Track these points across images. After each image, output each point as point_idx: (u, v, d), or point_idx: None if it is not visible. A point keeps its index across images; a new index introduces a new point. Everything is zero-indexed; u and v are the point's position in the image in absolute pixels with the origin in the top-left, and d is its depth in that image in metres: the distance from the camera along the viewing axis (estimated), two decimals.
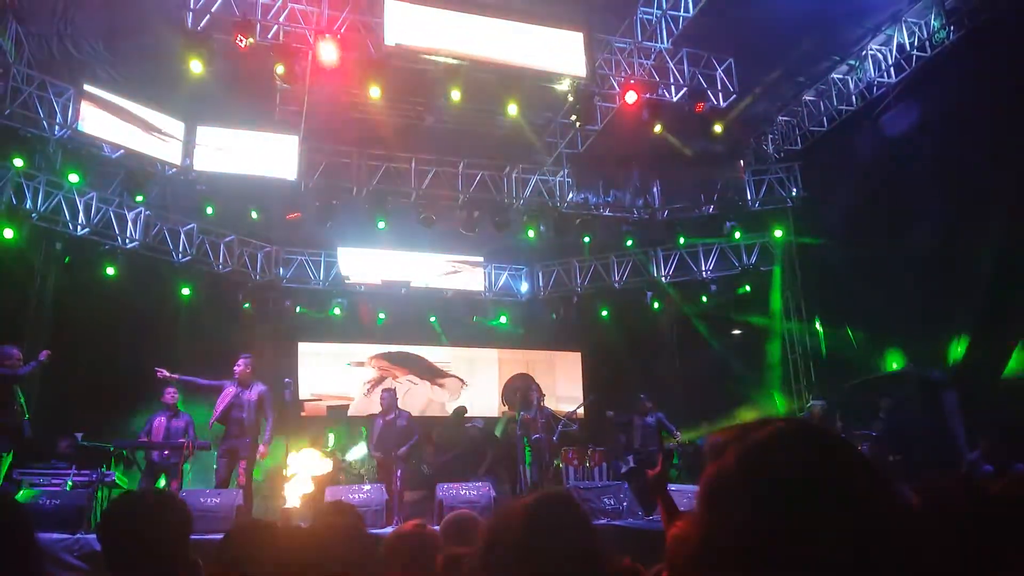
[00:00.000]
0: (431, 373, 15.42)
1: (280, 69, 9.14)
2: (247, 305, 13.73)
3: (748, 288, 14.26)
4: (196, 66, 8.84)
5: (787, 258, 13.87)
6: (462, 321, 15.37)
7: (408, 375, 15.07)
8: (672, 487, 9.08)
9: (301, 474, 9.43)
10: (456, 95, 9.90)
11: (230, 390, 8.88)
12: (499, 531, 1.53)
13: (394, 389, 10.32)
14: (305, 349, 14.72)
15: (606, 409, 11.93)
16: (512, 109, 10.21)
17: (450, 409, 14.18)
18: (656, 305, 15.30)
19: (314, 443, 10.46)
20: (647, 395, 11.27)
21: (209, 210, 12.20)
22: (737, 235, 13.77)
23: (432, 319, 15.09)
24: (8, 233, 10.45)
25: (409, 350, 15.37)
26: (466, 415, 13.18)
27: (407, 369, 15.21)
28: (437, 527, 3.44)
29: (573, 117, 10.89)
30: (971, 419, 9.40)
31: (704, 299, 14.53)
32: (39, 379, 9.08)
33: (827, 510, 0.82)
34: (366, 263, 14.24)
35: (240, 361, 9.01)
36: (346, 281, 14.12)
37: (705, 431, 12.15)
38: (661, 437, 11.03)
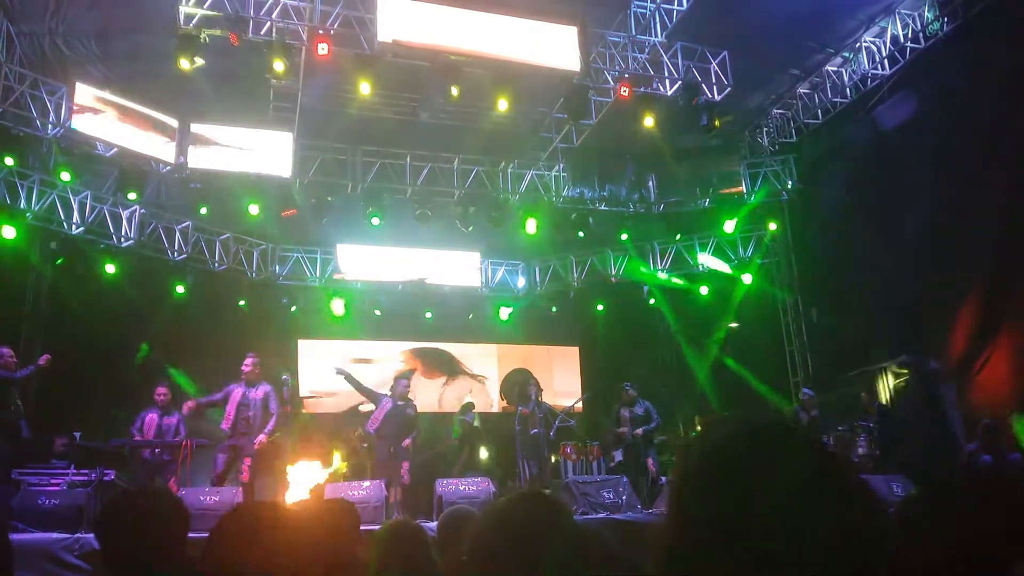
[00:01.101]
0: (461, 372, 15.56)
1: (279, 66, 9.12)
2: (243, 303, 13.73)
3: (751, 279, 14.26)
4: (184, 63, 8.80)
5: (783, 250, 13.90)
6: (459, 317, 15.39)
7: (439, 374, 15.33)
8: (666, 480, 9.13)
9: (299, 487, 9.44)
10: (455, 91, 9.89)
11: (237, 391, 8.83)
12: (479, 535, 1.53)
13: (410, 378, 10.23)
14: (304, 347, 14.75)
15: (602, 405, 11.88)
16: (502, 104, 10.18)
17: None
18: (652, 300, 15.32)
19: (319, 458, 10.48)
20: (631, 384, 11.08)
21: (203, 210, 12.18)
22: (724, 229, 13.83)
23: (427, 314, 15.09)
24: (10, 232, 10.42)
25: (441, 347, 15.69)
26: (472, 410, 13.16)
27: (437, 367, 15.34)
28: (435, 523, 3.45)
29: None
30: (967, 411, 9.42)
31: (703, 291, 14.53)
32: (36, 378, 9.07)
33: (784, 505, 0.83)
34: (363, 259, 14.24)
35: (247, 360, 8.97)
36: (346, 279, 14.12)
37: (701, 424, 12.17)
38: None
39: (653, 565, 0.93)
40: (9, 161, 10.31)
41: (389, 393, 9.72)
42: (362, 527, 3.48)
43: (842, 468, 0.89)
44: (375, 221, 12.68)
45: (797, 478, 0.85)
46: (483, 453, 12.21)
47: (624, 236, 14.20)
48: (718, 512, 0.85)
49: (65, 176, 10.80)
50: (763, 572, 0.81)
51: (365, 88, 9.57)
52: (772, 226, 13.69)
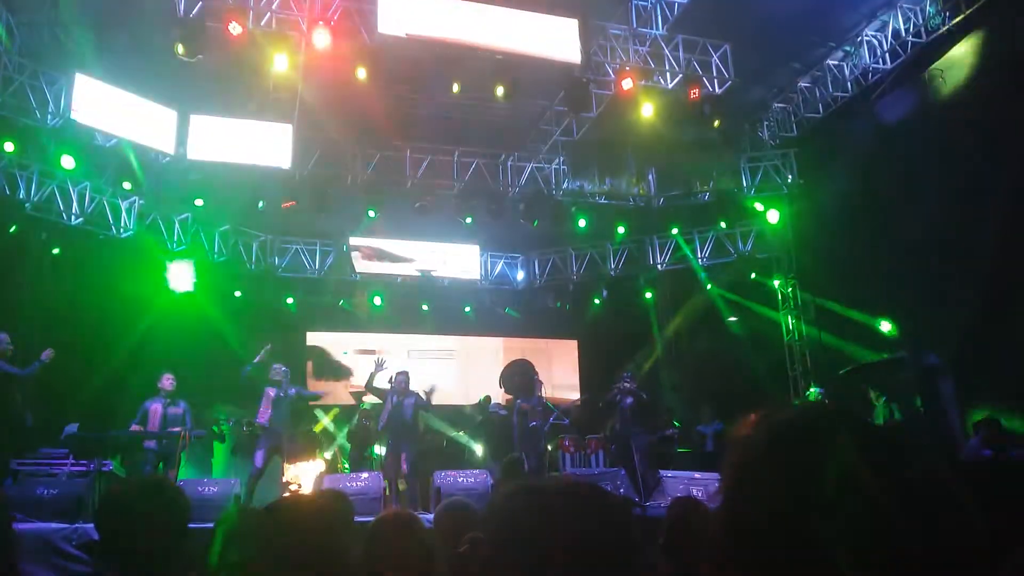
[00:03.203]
0: None
1: (282, 60, 9.13)
2: (238, 293, 13.73)
3: (754, 275, 14.26)
4: (182, 49, 8.77)
5: (783, 245, 13.88)
6: (457, 309, 15.40)
7: None
8: (668, 474, 9.15)
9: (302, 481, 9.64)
10: (456, 88, 9.90)
11: (270, 392, 9.28)
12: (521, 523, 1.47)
13: (407, 372, 10.24)
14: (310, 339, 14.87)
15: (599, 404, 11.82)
16: (500, 91, 10.16)
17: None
18: (648, 295, 15.34)
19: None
20: (630, 374, 10.94)
21: (199, 202, 12.16)
22: (723, 224, 13.85)
23: (424, 307, 15.09)
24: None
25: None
26: (491, 404, 13.16)
27: None
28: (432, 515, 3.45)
29: None
30: (968, 406, 9.43)
31: (708, 286, 14.52)
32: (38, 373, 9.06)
33: (851, 484, 0.83)
34: (364, 251, 14.30)
35: (281, 368, 9.50)
36: (356, 276, 14.18)
37: (704, 416, 12.15)
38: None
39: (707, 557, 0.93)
40: (9, 147, 10.23)
41: (389, 388, 9.77)
42: (359, 519, 3.48)
43: (908, 456, 0.88)
44: (371, 214, 12.73)
45: (862, 467, 0.84)
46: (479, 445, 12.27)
47: (620, 229, 14.23)
48: (778, 503, 0.85)
49: (68, 162, 10.68)
50: (825, 563, 0.80)
51: (362, 74, 9.57)
52: (773, 219, 13.64)
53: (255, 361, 9.48)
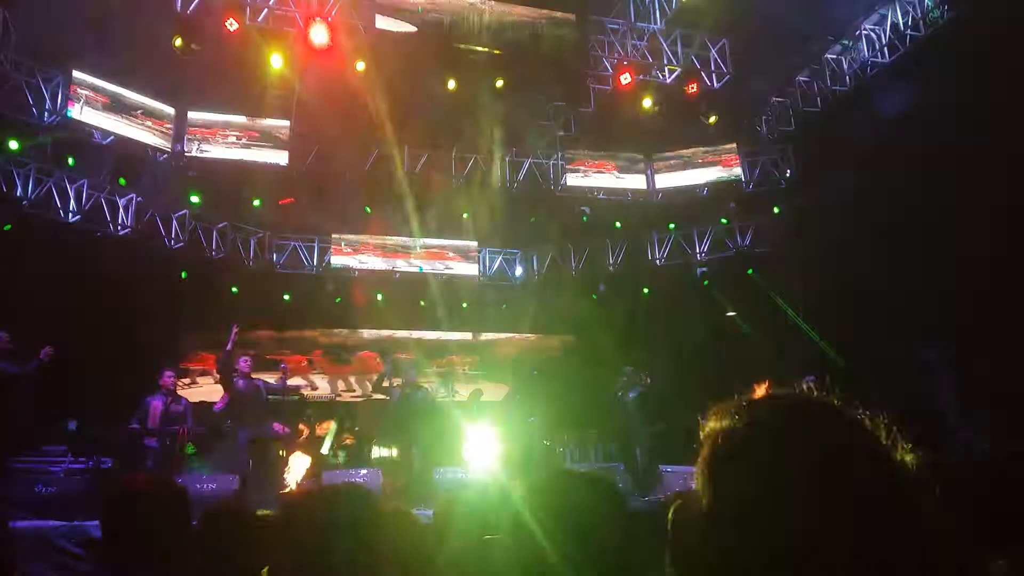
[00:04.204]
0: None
1: (279, 60, 9.13)
2: (235, 290, 13.70)
3: (751, 271, 14.26)
4: (180, 43, 8.76)
5: (781, 239, 13.86)
6: (455, 305, 15.38)
7: None
8: (668, 468, 9.15)
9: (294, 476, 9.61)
10: (452, 84, 9.90)
11: (240, 382, 9.12)
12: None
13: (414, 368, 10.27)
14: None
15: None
16: (498, 86, 10.16)
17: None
18: (646, 290, 15.34)
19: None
20: (632, 369, 10.89)
21: (195, 199, 12.14)
22: (722, 219, 13.84)
23: (422, 303, 15.08)
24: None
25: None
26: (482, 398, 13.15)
27: None
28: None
29: None
30: (968, 398, 9.44)
31: (706, 283, 14.53)
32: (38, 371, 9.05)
33: (831, 481, 0.82)
34: (362, 247, 14.28)
35: (245, 360, 9.29)
36: (342, 269, 14.16)
37: (706, 410, 12.12)
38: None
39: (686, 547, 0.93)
40: (14, 145, 10.20)
41: (397, 385, 9.82)
42: None
43: (878, 443, 0.88)
44: (368, 210, 12.72)
45: (837, 456, 0.84)
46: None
47: (617, 224, 14.21)
48: (754, 494, 0.84)
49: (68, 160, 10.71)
50: (802, 555, 0.80)
51: (361, 66, 9.56)
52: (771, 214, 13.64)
53: (227, 348, 9.30)
